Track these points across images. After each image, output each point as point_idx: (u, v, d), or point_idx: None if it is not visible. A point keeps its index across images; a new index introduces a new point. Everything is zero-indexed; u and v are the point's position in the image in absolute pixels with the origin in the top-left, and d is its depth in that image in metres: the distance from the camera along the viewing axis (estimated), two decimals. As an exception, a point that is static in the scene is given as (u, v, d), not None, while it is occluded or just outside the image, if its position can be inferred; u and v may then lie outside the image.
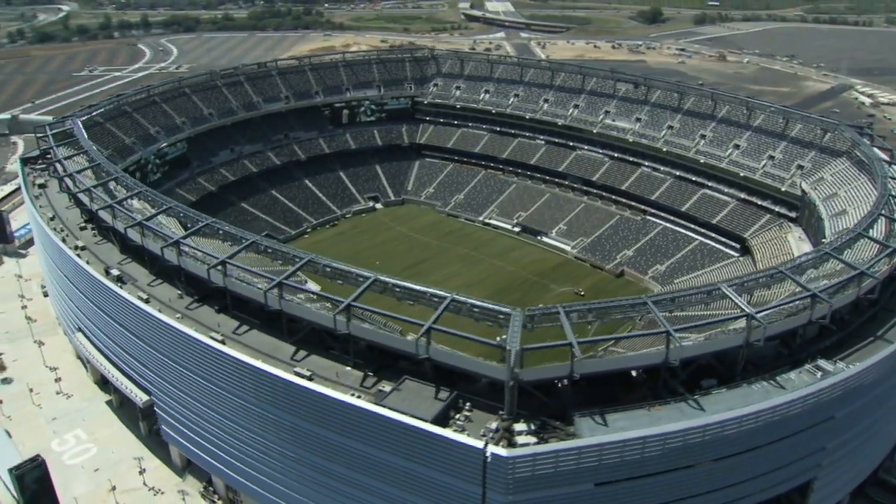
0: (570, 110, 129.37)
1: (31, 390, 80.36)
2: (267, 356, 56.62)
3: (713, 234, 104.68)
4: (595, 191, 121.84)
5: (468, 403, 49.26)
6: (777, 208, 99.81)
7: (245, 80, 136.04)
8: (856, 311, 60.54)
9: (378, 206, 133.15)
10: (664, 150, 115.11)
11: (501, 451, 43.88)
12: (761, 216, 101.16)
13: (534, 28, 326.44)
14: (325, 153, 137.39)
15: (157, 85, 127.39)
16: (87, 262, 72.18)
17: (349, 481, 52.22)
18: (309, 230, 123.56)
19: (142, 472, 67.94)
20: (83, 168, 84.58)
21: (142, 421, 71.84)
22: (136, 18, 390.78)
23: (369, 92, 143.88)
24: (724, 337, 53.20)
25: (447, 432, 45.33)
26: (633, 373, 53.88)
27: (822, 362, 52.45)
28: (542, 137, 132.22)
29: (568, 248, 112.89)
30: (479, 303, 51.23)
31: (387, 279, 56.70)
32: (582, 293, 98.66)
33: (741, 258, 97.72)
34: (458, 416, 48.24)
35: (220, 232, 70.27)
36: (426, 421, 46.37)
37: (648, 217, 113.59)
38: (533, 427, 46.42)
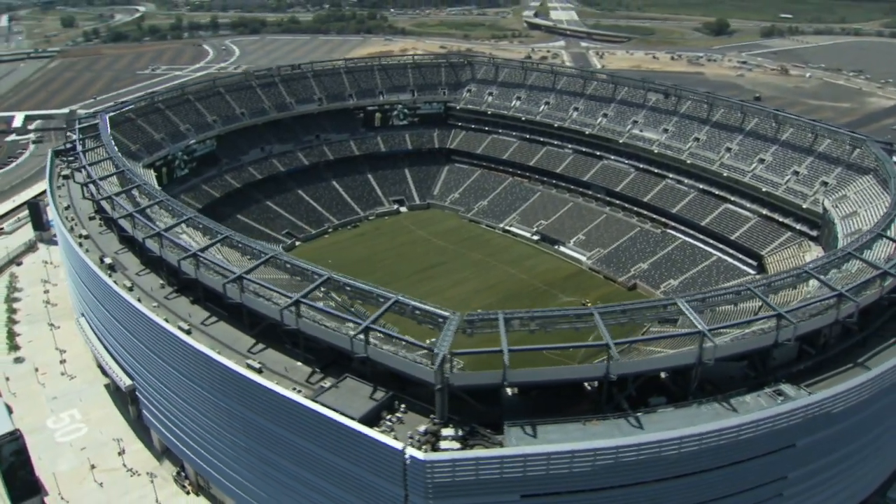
0: (599, 119, 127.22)
1: (36, 370, 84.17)
2: (226, 347, 57.72)
3: (731, 251, 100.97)
4: (618, 202, 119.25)
5: (403, 405, 48.81)
6: (798, 226, 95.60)
7: (280, 80, 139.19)
8: (841, 335, 57.41)
9: (402, 209, 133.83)
10: (688, 162, 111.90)
11: (419, 454, 43.44)
12: (782, 233, 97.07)
13: (595, 38, 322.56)
14: (354, 155, 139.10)
15: (191, 83, 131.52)
16: (87, 251, 75.28)
17: (293, 475, 52.70)
18: (330, 230, 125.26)
19: (121, 453, 70.16)
20: (99, 160, 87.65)
21: (130, 405, 74.18)
22: (205, 20, 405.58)
23: (402, 96, 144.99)
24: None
25: (369, 431, 45.15)
26: (588, 385, 52.57)
27: (784, 387, 49.93)
28: (570, 146, 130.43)
29: (583, 259, 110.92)
30: (420, 305, 50.87)
31: (339, 278, 56.81)
32: (588, 304, 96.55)
33: (756, 276, 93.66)
34: (390, 417, 47.88)
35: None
36: (353, 419, 46.32)
37: (669, 230, 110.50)
38: (461, 433, 45.69)
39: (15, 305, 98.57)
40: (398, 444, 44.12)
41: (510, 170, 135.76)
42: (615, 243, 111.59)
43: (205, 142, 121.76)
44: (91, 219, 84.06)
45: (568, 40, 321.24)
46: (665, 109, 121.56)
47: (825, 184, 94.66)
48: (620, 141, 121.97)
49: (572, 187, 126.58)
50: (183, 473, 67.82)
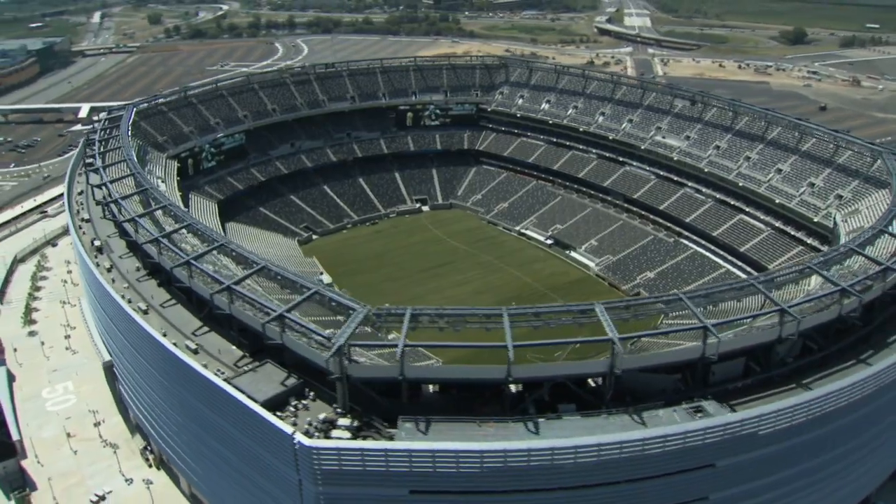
0: (624, 125, 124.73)
1: (42, 343, 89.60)
2: (173, 327, 60.10)
3: (740, 263, 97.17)
4: (636, 209, 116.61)
5: (312, 393, 49.69)
6: (810, 240, 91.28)
7: (314, 78, 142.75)
8: (801, 353, 54.92)
9: (425, 208, 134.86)
10: (706, 170, 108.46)
11: (305, 440, 44.28)
12: (792, 247, 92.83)
13: (663, 44, 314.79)
14: (383, 154, 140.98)
15: (226, 80, 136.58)
16: (84, 233, 79.80)
17: (218, 453, 54.55)
18: (349, 226, 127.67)
19: (97, 424, 74.05)
20: (115, 162, 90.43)
21: (116, 380, 78.04)
22: (282, 19, 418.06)
23: (435, 96, 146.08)
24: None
25: (266, 414, 46.25)
26: (513, 388, 51.96)
27: (706, 403, 47.98)
28: (594, 151, 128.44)
29: (592, 265, 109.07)
30: (336, 297, 51.67)
31: (273, 268, 57.93)
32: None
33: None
34: (296, 403, 48.87)
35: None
36: (256, 402, 47.55)
37: (682, 240, 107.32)
38: (356, 424, 46.22)
39: (39, 283, 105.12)
40: (289, 429, 45.11)
41: (535, 173, 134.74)
42: (626, 250, 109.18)
43: (233, 136, 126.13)
44: (98, 204, 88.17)
45: (635, 46, 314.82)
46: (690, 116, 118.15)
47: (840, 197, 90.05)
48: (642, 147, 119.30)
49: (593, 192, 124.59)
50: (149, 448, 70.81)
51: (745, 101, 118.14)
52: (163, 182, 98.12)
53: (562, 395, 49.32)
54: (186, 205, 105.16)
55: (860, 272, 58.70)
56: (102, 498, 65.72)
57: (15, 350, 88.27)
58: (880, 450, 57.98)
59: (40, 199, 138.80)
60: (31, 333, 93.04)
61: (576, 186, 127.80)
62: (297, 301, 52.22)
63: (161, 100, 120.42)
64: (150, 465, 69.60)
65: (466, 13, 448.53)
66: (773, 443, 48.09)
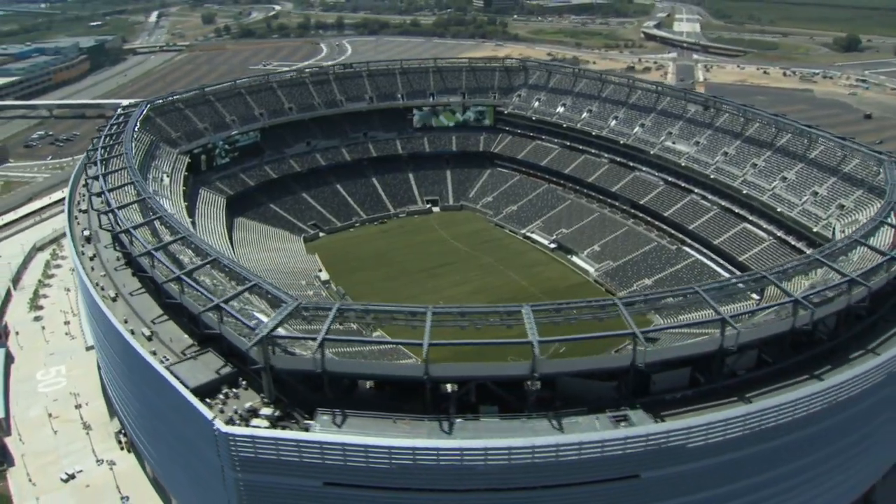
0: (636, 129, 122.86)
1: (43, 328, 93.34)
2: (135, 315, 61.98)
3: (739, 273, 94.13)
4: (642, 214, 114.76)
5: (245, 382, 50.61)
6: (810, 251, 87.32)
7: (333, 78, 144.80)
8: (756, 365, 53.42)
9: (435, 209, 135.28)
10: (711, 177, 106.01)
11: (223, 426, 45.21)
12: (792, 257, 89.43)
13: (710, 50, 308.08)
14: (398, 154, 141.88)
15: (245, 78, 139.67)
16: (78, 223, 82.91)
17: (165, 437, 56.23)
18: (357, 224, 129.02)
19: (78, 406, 76.88)
20: (117, 169, 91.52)
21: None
22: (331, 20, 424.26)
23: (453, 98, 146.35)
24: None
25: (191, 398, 47.42)
26: (450, 387, 51.84)
27: (632, 412, 47.04)
28: (606, 156, 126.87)
29: (591, 270, 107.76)
30: (272, 289, 52.55)
31: (223, 260, 59.41)
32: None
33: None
34: (228, 391, 49.88)
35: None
36: (187, 388, 48.76)
37: (684, 247, 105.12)
38: (277, 414, 46.95)
39: (52, 271, 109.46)
40: (210, 415, 46.13)
41: (547, 176, 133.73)
42: (627, 257, 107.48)
43: (248, 133, 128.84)
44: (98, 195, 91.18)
45: (681, 52, 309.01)
46: (701, 121, 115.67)
47: (842, 207, 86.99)
48: (651, 152, 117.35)
49: (601, 197, 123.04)
50: (123, 431, 73.08)
51: (783, 108, 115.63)
52: (168, 177, 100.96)
53: (488, 397, 48.95)
54: (194, 199, 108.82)
55: (819, 284, 56.63)
56: (72, 476, 68.32)
57: (17, 333, 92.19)
58: (840, 469, 55.73)
59: (67, 190, 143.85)
60: (37, 318, 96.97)
61: (585, 191, 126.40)
62: (237, 292, 53.24)
63: (176, 96, 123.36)
64: (122, 448, 71.84)
65: (515, 16, 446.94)
66: (706, 456, 46.81)
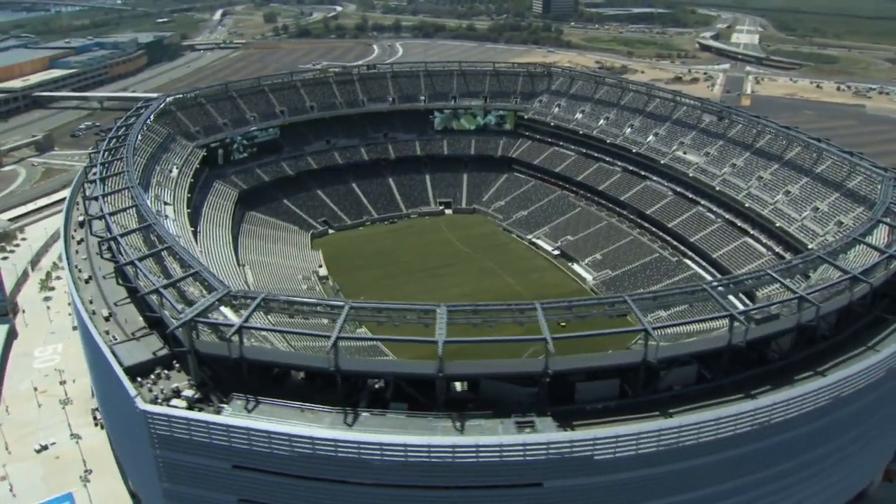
0: (649, 138, 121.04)
1: (48, 308, 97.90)
2: (102, 296, 64.84)
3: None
4: (647, 224, 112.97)
5: (178, 365, 52.35)
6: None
7: (357, 79, 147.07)
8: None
9: (448, 211, 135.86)
10: (717, 188, 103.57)
11: (142, 404, 46.98)
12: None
13: (764, 63, 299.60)
14: (416, 155, 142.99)
15: (269, 76, 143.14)
16: (78, 210, 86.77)
17: (112, 412, 58.61)
18: (368, 223, 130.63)
19: (62, 382, 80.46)
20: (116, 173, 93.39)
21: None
22: (389, 22, 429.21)
23: (475, 101, 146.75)
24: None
25: (122, 377, 49.54)
26: (381, 383, 52.51)
27: (539, 419, 46.72)
28: (619, 164, 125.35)
29: (589, 279, 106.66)
30: (209, 278, 54.18)
31: (177, 249, 61.22)
32: (563, 325, 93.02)
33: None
34: (161, 372, 51.72)
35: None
36: (121, 366, 50.83)
37: (685, 259, 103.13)
38: (197, 396, 48.48)
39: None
40: (133, 392, 47.97)
41: (561, 183, 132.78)
42: (627, 266, 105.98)
43: (267, 130, 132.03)
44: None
45: (734, 64, 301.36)
46: (714, 132, 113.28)
47: (840, 224, 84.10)
48: (662, 161, 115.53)
49: (611, 206, 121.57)
50: (98, 408, 76.11)
51: (829, 123, 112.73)
52: (178, 168, 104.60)
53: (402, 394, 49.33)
54: (206, 191, 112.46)
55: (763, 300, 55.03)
56: (45, 448, 71.69)
57: (23, 311, 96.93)
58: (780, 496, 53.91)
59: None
60: (46, 298, 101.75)
61: (596, 199, 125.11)
62: (177, 278, 55.18)
63: (196, 92, 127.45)
64: (96, 425, 74.81)
65: (572, 24, 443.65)
66: (618, 470, 46.09)
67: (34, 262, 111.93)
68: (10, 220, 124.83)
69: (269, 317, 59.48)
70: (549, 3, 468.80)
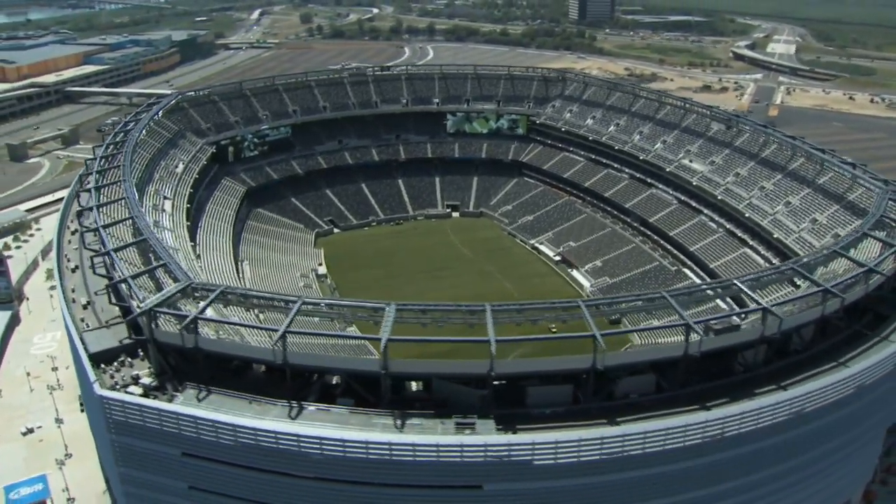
0: (657, 145, 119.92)
1: (51, 296, 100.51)
2: (84, 285, 66.55)
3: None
4: (650, 232, 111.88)
5: (142, 353, 53.53)
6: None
7: (371, 80, 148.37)
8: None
9: (455, 214, 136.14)
10: (719, 197, 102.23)
11: (98, 388, 48.26)
12: (784, 286, 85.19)
13: (798, 73, 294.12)
14: (427, 158, 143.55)
15: (283, 75, 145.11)
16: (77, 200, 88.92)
17: (85, 397, 59.95)
18: (374, 223, 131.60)
19: (54, 369, 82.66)
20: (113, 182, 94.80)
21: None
22: (423, 25, 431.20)
23: (487, 105, 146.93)
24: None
25: (85, 362, 50.95)
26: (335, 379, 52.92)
27: (480, 421, 46.64)
28: (627, 171, 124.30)
29: (587, 286, 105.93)
30: (176, 271, 55.21)
31: (151, 242, 62.29)
32: (554, 329, 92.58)
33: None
34: (125, 360, 52.98)
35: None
36: (86, 352, 52.24)
37: (684, 269, 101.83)
38: (154, 384, 49.56)
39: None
40: (93, 377, 49.27)
41: (569, 189, 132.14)
42: (625, 274, 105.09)
43: (279, 129, 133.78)
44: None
45: (767, 74, 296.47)
46: (721, 141, 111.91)
47: (837, 236, 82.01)
48: (668, 169, 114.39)
49: (616, 213, 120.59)
50: (87, 395, 78.06)
51: (857, 136, 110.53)
52: (183, 164, 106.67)
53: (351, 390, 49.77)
54: (213, 187, 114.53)
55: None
56: (31, 431, 73.80)
57: (27, 299, 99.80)
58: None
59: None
60: (52, 287, 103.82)
61: (602, 205, 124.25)
62: (143, 270, 56.52)
63: (208, 90, 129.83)
64: (82, 410, 76.58)
65: (607, 30, 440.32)
66: (559, 477, 45.72)
67: (45, 252, 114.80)
68: (27, 210, 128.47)
69: (253, 311, 60.70)
70: (584, 9, 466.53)
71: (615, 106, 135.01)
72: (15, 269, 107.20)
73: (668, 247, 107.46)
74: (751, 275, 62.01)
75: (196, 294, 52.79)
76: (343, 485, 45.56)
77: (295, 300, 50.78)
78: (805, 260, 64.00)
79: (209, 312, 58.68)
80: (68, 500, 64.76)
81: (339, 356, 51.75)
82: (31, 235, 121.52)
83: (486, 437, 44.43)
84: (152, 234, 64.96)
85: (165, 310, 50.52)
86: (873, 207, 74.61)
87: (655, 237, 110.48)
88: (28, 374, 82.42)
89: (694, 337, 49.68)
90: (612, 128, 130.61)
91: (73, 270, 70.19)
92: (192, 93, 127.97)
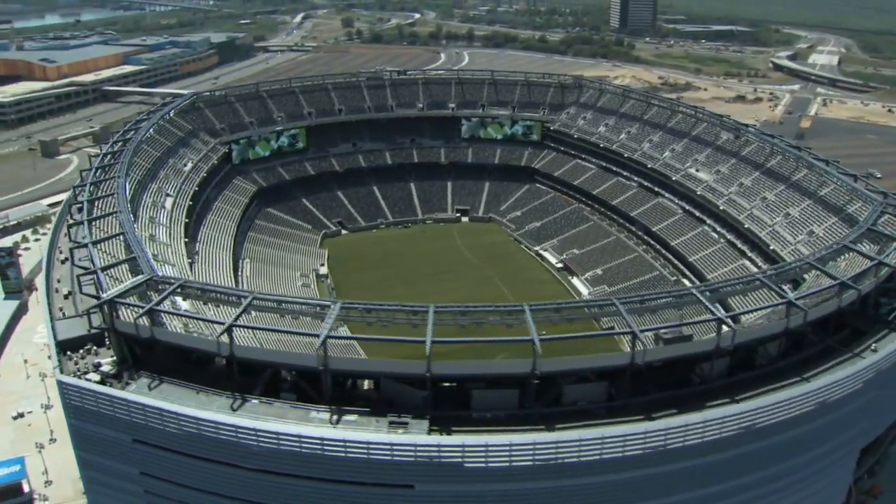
0: (666, 153, 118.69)
1: (56, 291, 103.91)
2: (70, 276, 68.79)
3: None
4: (653, 241, 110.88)
5: (108, 342, 55.37)
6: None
7: (388, 84, 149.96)
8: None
9: (464, 219, 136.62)
10: (721, 208, 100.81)
11: (58, 374, 50.18)
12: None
13: (838, 84, 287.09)
14: (440, 162, 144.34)
15: (299, 78, 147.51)
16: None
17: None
18: (382, 226, 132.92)
19: (50, 356, 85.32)
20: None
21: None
22: (463, 31, 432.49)
23: (502, 111, 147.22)
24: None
25: (53, 348, 52.87)
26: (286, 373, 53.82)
27: (414, 420, 46.86)
28: (636, 179, 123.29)
29: (585, 294, 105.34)
30: (143, 264, 56.97)
31: (128, 236, 64.27)
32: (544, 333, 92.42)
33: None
34: (91, 348, 54.86)
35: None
36: (55, 338, 54.33)
37: (683, 279, 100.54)
38: (113, 371, 51.28)
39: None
40: (56, 363, 51.25)
41: (578, 196, 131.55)
42: (623, 283, 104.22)
43: (292, 130, 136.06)
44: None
45: (806, 84, 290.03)
46: (729, 150, 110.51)
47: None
48: (674, 178, 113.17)
49: (621, 221, 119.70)
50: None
51: (889, 148, 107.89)
52: (192, 163, 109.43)
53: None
54: (223, 186, 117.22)
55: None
56: (21, 415, 76.72)
57: (36, 290, 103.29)
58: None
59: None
60: (60, 280, 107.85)
61: (609, 214, 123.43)
62: (113, 262, 58.42)
63: (222, 92, 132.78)
64: (72, 398, 79.26)
65: (647, 39, 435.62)
66: (490, 480, 45.72)
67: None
68: (49, 205, 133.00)
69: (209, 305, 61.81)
70: (626, 18, 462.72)
71: (628, 114, 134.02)
72: (30, 261, 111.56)
73: (669, 256, 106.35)
74: (712, 285, 60.94)
75: (159, 287, 54.35)
76: (281, 478, 46.38)
77: (246, 295, 52.01)
78: (773, 271, 62.59)
79: (183, 305, 60.87)
80: (46, 482, 67.05)
81: (282, 351, 52.55)
82: (50, 229, 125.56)
83: (416, 437, 44.74)
84: (131, 229, 66.84)
85: (123, 300, 52.07)
86: (862, 220, 72.65)
87: (658, 246, 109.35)
88: (25, 361, 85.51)
89: (640, 346, 49.22)
90: (623, 135, 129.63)
91: (63, 262, 72.61)
92: (208, 93, 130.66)
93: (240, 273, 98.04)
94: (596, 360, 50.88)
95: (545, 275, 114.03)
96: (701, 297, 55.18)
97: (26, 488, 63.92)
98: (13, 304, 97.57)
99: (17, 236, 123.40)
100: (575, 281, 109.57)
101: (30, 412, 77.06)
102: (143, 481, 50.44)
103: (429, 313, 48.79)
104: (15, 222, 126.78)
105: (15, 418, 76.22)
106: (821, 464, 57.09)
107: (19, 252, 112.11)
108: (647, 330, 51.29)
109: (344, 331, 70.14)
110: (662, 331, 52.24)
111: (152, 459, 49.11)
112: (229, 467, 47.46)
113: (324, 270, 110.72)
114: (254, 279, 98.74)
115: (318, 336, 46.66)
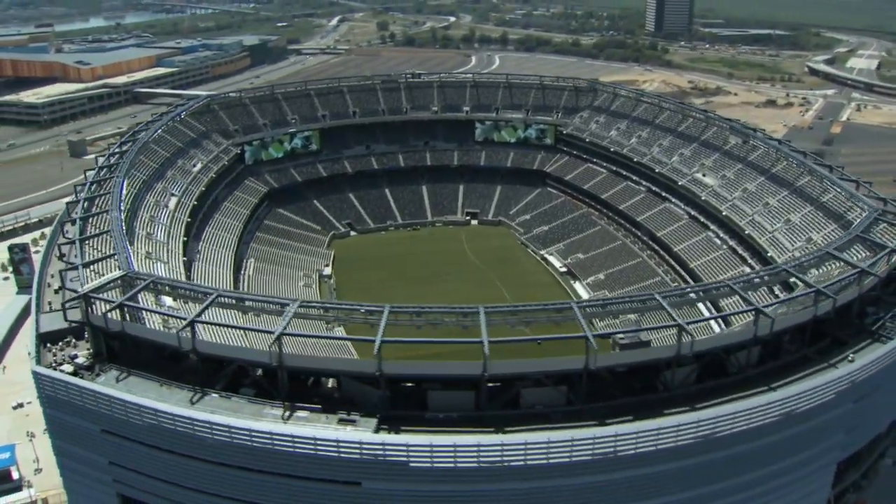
0: (674, 158, 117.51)
1: (49, 285, 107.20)
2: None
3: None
4: (657, 247, 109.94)
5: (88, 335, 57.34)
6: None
7: (403, 87, 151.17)
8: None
9: (474, 222, 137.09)
10: (724, 213, 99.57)
11: (33, 365, 52.27)
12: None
13: (874, 89, 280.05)
14: (452, 165, 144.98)
15: (315, 81, 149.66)
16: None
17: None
18: (391, 228, 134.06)
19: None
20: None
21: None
22: (496, 34, 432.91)
23: (516, 114, 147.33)
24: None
25: (32, 340, 55.04)
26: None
27: (363, 418, 47.47)
28: (644, 183, 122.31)
29: (585, 298, 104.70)
30: (123, 261, 58.81)
31: (115, 236, 66.19)
32: (539, 343, 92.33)
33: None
34: (70, 340, 56.90)
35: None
36: (37, 330, 56.56)
37: (684, 285, 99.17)
38: (86, 363, 53.16)
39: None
40: (33, 353, 53.34)
41: (588, 200, 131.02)
42: (625, 288, 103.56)
43: (305, 132, 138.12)
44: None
45: (841, 89, 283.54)
46: (737, 155, 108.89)
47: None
48: (680, 183, 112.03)
49: (628, 226, 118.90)
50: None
51: None
52: (202, 163, 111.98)
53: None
54: (234, 187, 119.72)
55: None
56: (21, 405, 79.60)
57: (49, 285, 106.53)
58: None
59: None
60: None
61: (617, 218, 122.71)
62: (94, 258, 60.46)
63: (237, 94, 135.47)
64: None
65: (682, 43, 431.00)
66: (435, 481, 45.96)
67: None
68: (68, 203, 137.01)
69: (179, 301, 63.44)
70: (661, 21, 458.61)
71: (640, 117, 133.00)
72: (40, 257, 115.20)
73: (671, 261, 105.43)
74: (678, 290, 60.39)
75: (135, 283, 56.15)
76: (236, 470, 47.50)
77: (212, 293, 53.43)
78: (746, 278, 61.76)
79: (168, 301, 62.70)
80: (36, 470, 69.52)
81: (242, 347, 53.81)
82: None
83: (362, 435, 45.41)
84: (119, 227, 68.98)
85: (97, 295, 53.95)
86: (854, 228, 71.19)
87: (662, 252, 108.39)
88: (29, 353, 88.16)
89: (592, 351, 49.12)
90: (633, 139, 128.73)
91: (59, 258, 74.98)
92: (223, 95, 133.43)
93: (242, 272, 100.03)
94: (548, 363, 50.86)
95: (548, 279, 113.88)
96: (663, 303, 54.62)
97: (15, 475, 66.29)
98: (25, 299, 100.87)
99: (36, 233, 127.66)
100: (577, 286, 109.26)
101: (29, 403, 79.82)
102: (112, 470, 52.08)
103: (383, 313, 49.45)
104: (36, 220, 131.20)
105: (15, 408, 79.14)
106: (790, 476, 55.87)
107: (36, 249, 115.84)
108: (602, 335, 51.10)
109: (339, 331, 72.21)
110: (619, 336, 51.91)
111: (119, 449, 50.62)
112: (188, 458, 48.83)
113: (328, 271, 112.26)
114: (255, 278, 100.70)
115: (272, 333, 47.72)
